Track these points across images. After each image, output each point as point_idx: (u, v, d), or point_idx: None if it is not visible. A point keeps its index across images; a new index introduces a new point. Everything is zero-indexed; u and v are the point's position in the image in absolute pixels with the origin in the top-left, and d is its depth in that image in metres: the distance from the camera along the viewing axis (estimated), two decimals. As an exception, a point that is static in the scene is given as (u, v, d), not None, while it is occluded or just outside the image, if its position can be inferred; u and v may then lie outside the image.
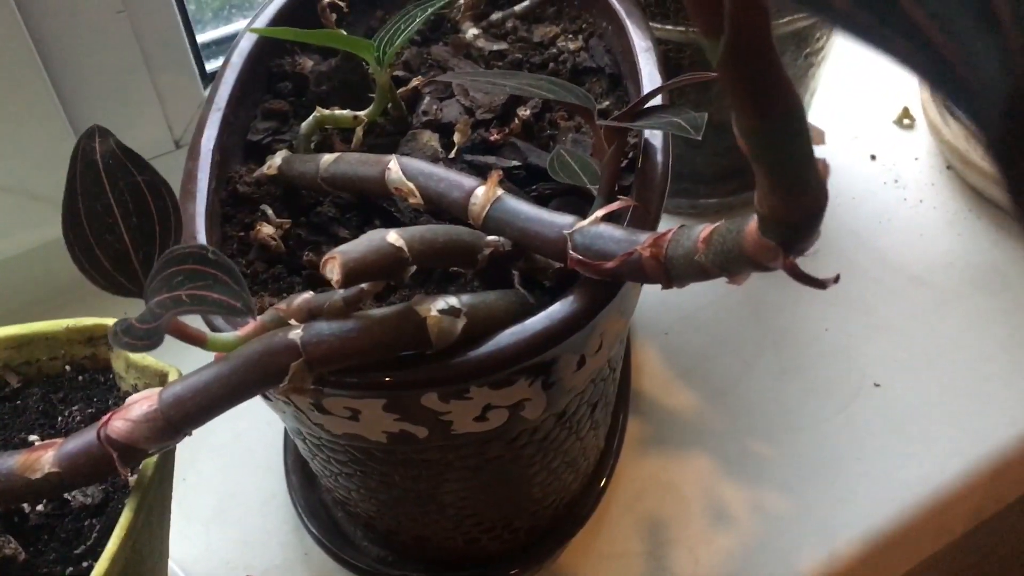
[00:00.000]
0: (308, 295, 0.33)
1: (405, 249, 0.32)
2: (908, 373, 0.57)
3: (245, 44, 0.48)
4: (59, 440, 0.34)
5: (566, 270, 0.39)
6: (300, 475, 0.52)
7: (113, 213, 0.32)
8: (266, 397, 0.38)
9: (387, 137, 0.48)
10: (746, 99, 0.22)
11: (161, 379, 0.38)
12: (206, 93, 0.63)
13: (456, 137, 0.46)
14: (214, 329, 0.36)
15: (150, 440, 0.33)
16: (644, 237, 0.33)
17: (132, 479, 0.37)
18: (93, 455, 0.33)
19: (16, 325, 0.41)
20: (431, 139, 0.47)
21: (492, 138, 0.46)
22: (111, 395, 0.40)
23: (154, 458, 0.36)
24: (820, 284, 0.27)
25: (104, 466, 0.34)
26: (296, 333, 0.32)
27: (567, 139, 0.46)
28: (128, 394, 0.40)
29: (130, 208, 0.32)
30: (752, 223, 0.27)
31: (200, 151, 0.43)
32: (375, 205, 0.44)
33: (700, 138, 0.34)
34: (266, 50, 0.49)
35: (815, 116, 0.66)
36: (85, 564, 0.35)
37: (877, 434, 0.54)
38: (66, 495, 0.37)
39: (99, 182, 0.32)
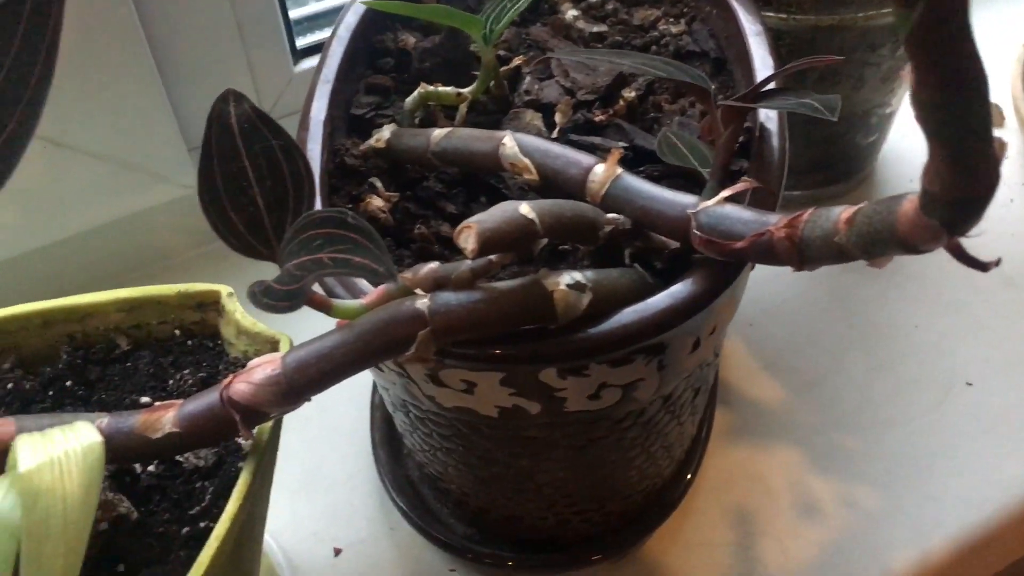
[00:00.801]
0: (435, 265, 0.33)
1: (536, 221, 0.32)
2: (1001, 373, 0.56)
3: (352, 18, 0.48)
4: (178, 401, 0.35)
5: (679, 251, 0.38)
6: (387, 451, 0.52)
7: (247, 176, 0.32)
8: (378, 367, 0.38)
9: (489, 115, 0.47)
10: (933, 71, 0.21)
11: (272, 346, 0.39)
12: (295, 68, 0.64)
13: (557, 117, 0.46)
14: (333, 296, 0.36)
15: (272, 403, 0.33)
16: (775, 218, 0.33)
17: (246, 443, 0.37)
18: (215, 416, 0.34)
19: (127, 288, 0.41)
20: (534, 118, 0.46)
21: (597, 119, 0.46)
22: (220, 361, 0.40)
23: (268, 423, 0.36)
24: (983, 266, 0.26)
25: (225, 428, 0.34)
26: (423, 302, 0.32)
27: (672, 122, 0.46)
28: (237, 360, 0.40)
29: (264, 172, 0.32)
30: (907, 203, 0.27)
31: (311, 121, 0.43)
32: (481, 181, 0.43)
33: (836, 119, 0.33)
34: (370, 25, 0.49)
35: (908, 114, 0.65)
36: (202, 525, 0.35)
37: (969, 433, 0.53)
38: (178, 457, 0.38)
39: (234, 145, 0.32)
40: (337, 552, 0.50)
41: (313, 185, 0.32)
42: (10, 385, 0.39)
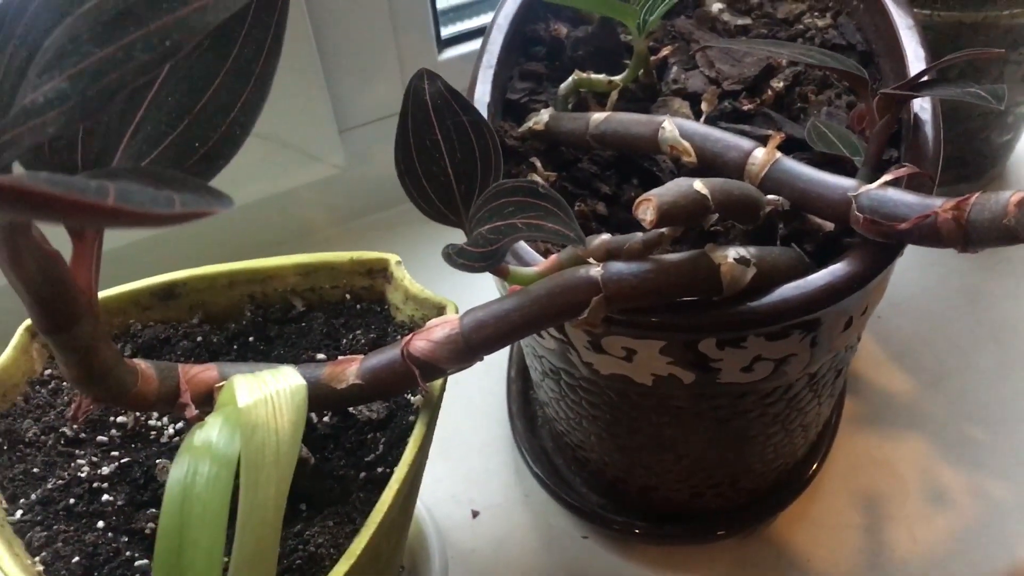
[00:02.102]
0: (607, 236, 0.35)
1: (709, 197, 0.34)
2: None
3: (510, 7, 0.51)
4: (360, 356, 0.38)
5: (832, 234, 0.40)
6: (524, 421, 0.54)
7: (440, 149, 0.35)
8: (538, 334, 0.41)
9: (637, 103, 0.49)
10: None
11: (439, 311, 0.41)
12: (440, 56, 0.67)
13: (704, 106, 0.48)
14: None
15: (449, 360, 0.36)
16: (939, 201, 0.34)
17: (414, 399, 0.40)
18: (396, 370, 0.36)
19: (302, 255, 0.44)
20: (682, 106, 0.48)
21: (745, 107, 0.48)
22: (388, 324, 0.43)
23: (439, 381, 0.39)
24: None
25: (404, 381, 0.37)
26: (596, 271, 0.34)
27: (820, 112, 0.47)
28: (403, 324, 0.43)
29: (455, 145, 0.35)
30: (1085, 186, 0.28)
31: (476, 104, 0.46)
32: (633, 164, 0.46)
33: (1003, 108, 0.35)
34: (526, 15, 0.52)
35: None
36: (379, 471, 0.38)
37: (1103, 432, 0.53)
38: (352, 410, 0.41)
39: (428, 120, 0.35)
40: (475, 514, 0.52)
41: (500, 158, 0.35)
42: (199, 338, 0.43)
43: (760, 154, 0.39)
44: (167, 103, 0.30)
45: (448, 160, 0.35)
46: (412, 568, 0.50)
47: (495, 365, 0.58)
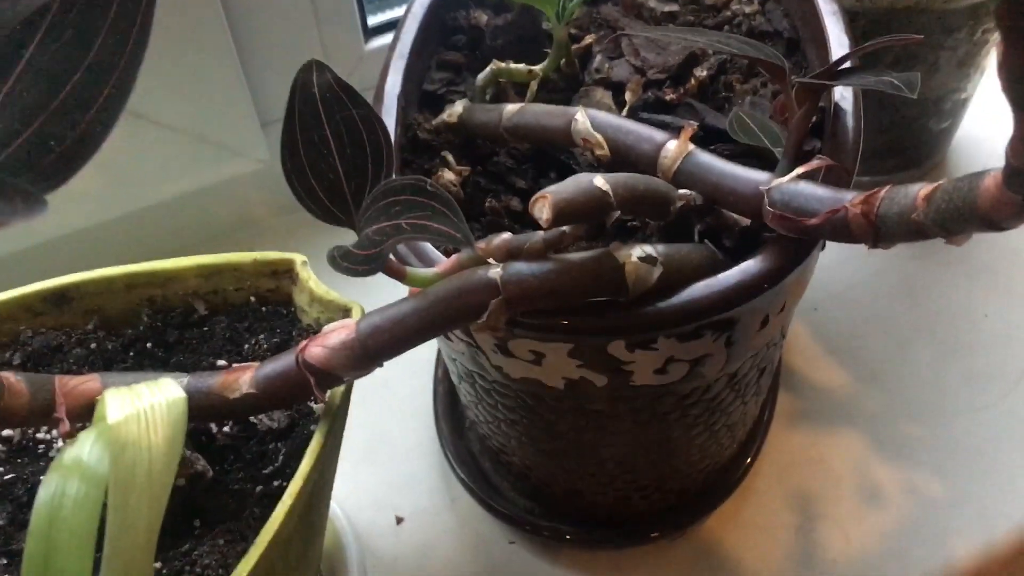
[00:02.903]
0: (507, 235, 0.34)
1: (610, 193, 0.32)
2: (1074, 365, 0.55)
3: (426, -5, 0.49)
4: (255, 364, 0.36)
5: (749, 229, 0.38)
6: (450, 424, 0.52)
7: (328, 144, 0.33)
8: (446, 337, 0.39)
9: (559, 93, 0.48)
10: (1022, 39, 0.21)
11: (344, 314, 0.39)
12: (366, 46, 0.64)
13: (628, 96, 0.46)
14: (406, 266, 0.36)
15: (346, 367, 0.34)
16: (850, 195, 0.32)
17: (317, 407, 0.38)
18: (291, 379, 0.35)
19: (205, 255, 0.42)
20: (604, 96, 0.47)
21: (668, 97, 0.46)
22: (293, 327, 0.41)
23: (341, 388, 0.37)
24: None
25: (300, 390, 0.35)
26: (496, 271, 0.33)
27: (744, 102, 0.46)
28: (310, 327, 0.41)
29: (344, 140, 0.33)
30: (989, 179, 0.27)
31: (385, 95, 0.44)
32: (551, 157, 0.44)
33: (916, 96, 0.33)
34: (443, 2, 0.50)
35: (985, 96, 0.64)
36: (275, 484, 0.36)
37: (1038, 424, 0.52)
38: (252, 420, 0.39)
39: (316, 114, 0.33)
40: (399, 520, 0.51)
41: (392, 154, 0.33)
42: (93, 345, 0.41)
43: (672, 146, 0.37)
44: (22, 99, 0.28)
45: (338, 157, 0.33)
46: (331, 578, 0.48)
47: (424, 365, 0.56)
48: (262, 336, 0.41)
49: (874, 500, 0.50)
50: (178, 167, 0.59)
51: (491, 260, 0.34)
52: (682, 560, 0.48)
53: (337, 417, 0.37)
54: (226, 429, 0.39)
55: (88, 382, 0.34)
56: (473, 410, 0.46)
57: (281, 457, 0.37)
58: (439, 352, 0.56)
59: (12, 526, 0.36)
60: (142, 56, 0.30)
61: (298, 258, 0.42)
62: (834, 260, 0.61)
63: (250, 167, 0.61)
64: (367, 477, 0.53)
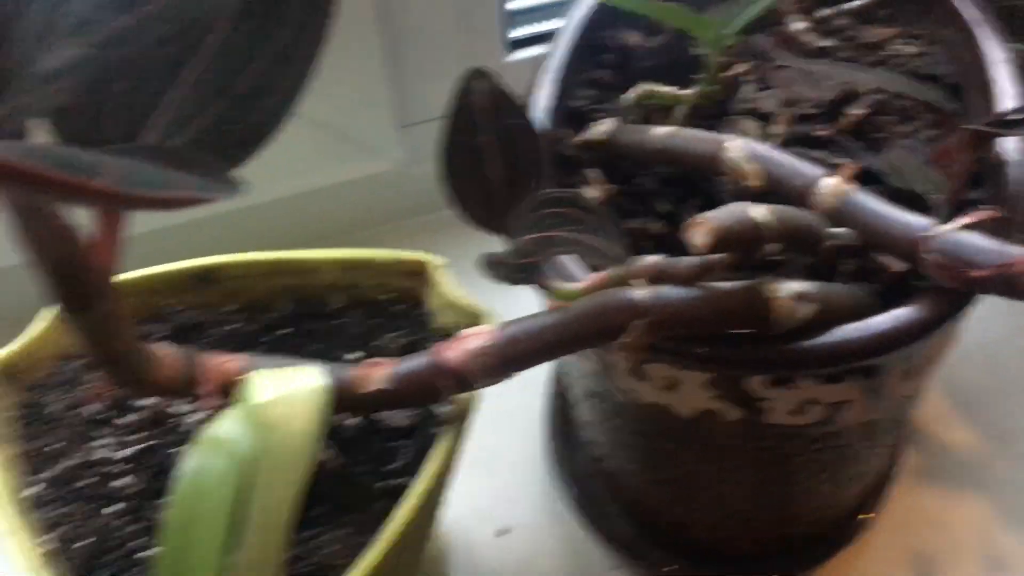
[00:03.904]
0: (658, 258, 0.33)
1: (767, 224, 0.32)
2: None
3: (581, 13, 0.49)
4: (390, 360, 0.36)
5: (899, 275, 0.37)
6: (562, 441, 0.52)
7: (486, 151, 0.33)
8: (581, 355, 0.39)
9: (705, 120, 0.47)
10: None
11: (474, 320, 0.40)
12: (505, 59, 0.65)
13: (776, 128, 0.45)
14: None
15: (480, 373, 0.34)
16: (1018, 250, 0.31)
17: (443, 411, 0.39)
18: (424, 379, 0.35)
19: (347, 249, 0.43)
20: (752, 127, 0.46)
21: (818, 133, 0.45)
22: (425, 329, 0.42)
23: (470, 394, 0.37)
24: None
25: (432, 391, 0.35)
26: (641, 293, 0.32)
27: (899, 144, 0.44)
28: (440, 330, 0.42)
29: (501, 148, 0.33)
30: None
31: (535, 109, 0.44)
32: (695, 183, 0.43)
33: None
34: (598, 22, 0.50)
35: None
36: (398, 481, 0.37)
37: None
38: (377, 416, 0.39)
39: (476, 120, 0.33)
40: (501, 533, 0.51)
41: (545, 166, 0.33)
42: (232, 326, 0.42)
43: (829, 184, 0.36)
44: (201, 83, 0.29)
45: (492, 164, 0.33)
46: (430, 582, 0.48)
47: (535, 381, 0.56)
48: (394, 334, 0.42)
49: (997, 571, 0.47)
50: (317, 161, 0.60)
51: (637, 282, 0.33)
52: (788, 608, 0.47)
53: (465, 422, 0.37)
54: (351, 422, 0.40)
55: (232, 361, 0.36)
56: (591, 431, 0.46)
57: (406, 456, 0.38)
58: (555, 369, 0.56)
59: (144, 494, 0.37)
60: (319, 50, 0.31)
61: (434, 260, 0.42)
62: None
63: (384, 167, 0.63)
64: (471, 487, 0.53)
